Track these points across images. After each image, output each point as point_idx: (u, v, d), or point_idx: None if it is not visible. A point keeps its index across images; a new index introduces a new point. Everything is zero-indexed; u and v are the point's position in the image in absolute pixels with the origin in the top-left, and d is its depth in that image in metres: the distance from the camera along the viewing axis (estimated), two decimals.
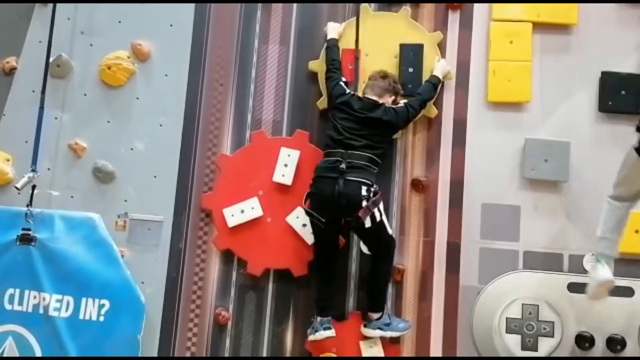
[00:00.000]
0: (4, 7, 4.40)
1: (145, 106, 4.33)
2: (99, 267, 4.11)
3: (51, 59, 4.29)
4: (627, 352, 3.85)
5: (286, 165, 4.14)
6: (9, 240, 4.11)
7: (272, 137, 4.27)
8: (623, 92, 4.08)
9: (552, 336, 3.93)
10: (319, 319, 3.93)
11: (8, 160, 4.33)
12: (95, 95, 4.35)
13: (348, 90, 4.01)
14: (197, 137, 4.29)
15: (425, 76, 4.14)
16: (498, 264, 4.05)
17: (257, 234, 4.15)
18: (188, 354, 4.15)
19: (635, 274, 3.97)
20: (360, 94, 4.05)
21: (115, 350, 4.03)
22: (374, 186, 3.80)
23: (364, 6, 4.23)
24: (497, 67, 4.16)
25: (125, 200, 4.27)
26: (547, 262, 4.04)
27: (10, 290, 4.11)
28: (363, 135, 3.85)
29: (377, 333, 3.93)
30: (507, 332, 3.96)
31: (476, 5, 4.24)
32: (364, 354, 4.01)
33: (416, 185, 4.16)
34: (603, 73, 4.12)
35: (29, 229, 4.11)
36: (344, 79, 4.04)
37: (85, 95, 4.36)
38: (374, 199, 3.77)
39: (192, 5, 4.37)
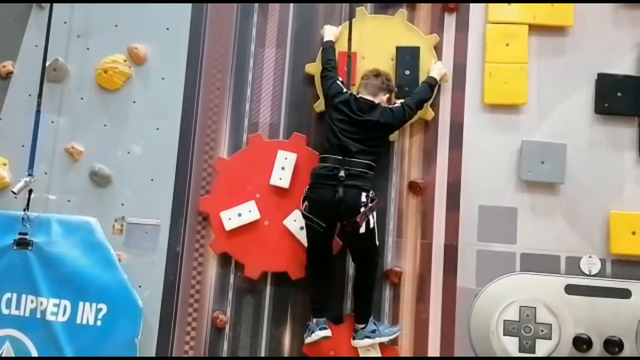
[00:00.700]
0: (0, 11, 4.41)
1: (142, 110, 4.33)
2: (96, 271, 4.11)
3: (47, 63, 4.30)
4: (625, 353, 3.85)
5: (283, 169, 4.14)
6: (5, 245, 4.11)
7: (269, 140, 4.27)
8: (619, 94, 4.08)
9: (550, 338, 3.93)
10: (314, 320, 3.93)
11: (5, 164, 4.33)
12: (91, 99, 4.36)
13: (345, 90, 4.00)
14: (194, 141, 4.29)
15: (422, 78, 4.14)
16: (495, 266, 4.05)
17: (255, 237, 4.15)
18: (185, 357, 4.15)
19: (632, 276, 3.97)
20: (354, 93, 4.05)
21: (113, 354, 4.03)
22: (371, 192, 3.82)
23: (360, 9, 4.24)
24: (494, 69, 4.16)
25: (122, 204, 4.27)
26: (544, 264, 4.03)
27: (8, 295, 4.11)
28: (359, 139, 3.85)
29: (366, 342, 3.94)
30: (504, 334, 3.96)
31: (472, 8, 4.25)
32: (360, 352, 4.00)
33: (413, 187, 4.16)
34: (599, 75, 4.12)
35: (26, 233, 4.11)
36: (340, 79, 4.04)
37: (81, 99, 4.36)
38: (371, 205, 3.78)
39: (188, 9, 4.37)
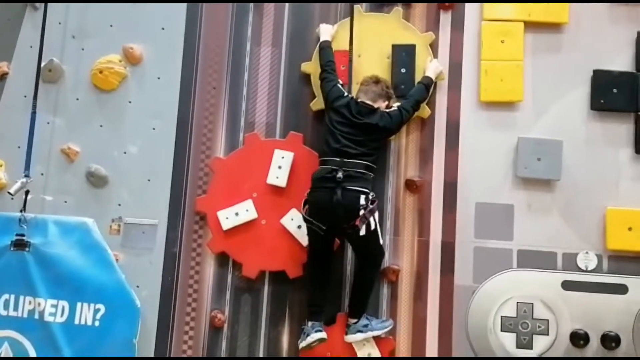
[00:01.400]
0: None
1: (138, 110, 4.32)
2: (94, 272, 4.11)
3: (43, 64, 4.28)
4: (622, 349, 3.86)
5: (280, 167, 4.14)
6: (3, 246, 4.11)
7: (266, 139, 4.27)
8: (615, 91, 4.09)
9: (547, 334, 3.95)
10: (309, 323, 3.93)
11: (0, 165, 4.32)
12: (87, 99, 4.35)
13: (346, 93, 4.01)
14: (190, 140, 4.29)
15: (418, 77, 4.14)
16: (492, 263, 4.06)
17: (252, 236, 4.15)
18: (184, 357, 4.15)
19: (628, 271, 3.99)
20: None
21: (111, 355, 4.03)
22: (372, 194, 3.82)
23: (355, 7, 4.23)
24: (489, 67, 4.17)
25: (119, 205, 4.26)
26: (541, 260, 4.05)
27: (6, 296, 4.11)
28: (359, 141, 3.85)
29: (359, 336, 3.95)
30: (502, 330, 3.98)
31: (467, 6, 4.25)
32: (359, 352, 4.02)
33: (410, 185, 4.17)
34: (595, 71, 4.13)
35: (23, 235, 4.11)
36: (340, 81, 4.04)
37: (77, 99, 4.35)
38: (371, 207, 3.79)
39: (183, 9, 4.36)
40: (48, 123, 4.33)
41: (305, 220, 3.89)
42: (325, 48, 4.10)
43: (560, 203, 4.09)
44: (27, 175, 4.15)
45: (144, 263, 4.20)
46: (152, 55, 4.35)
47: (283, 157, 4.15)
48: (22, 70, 4.33)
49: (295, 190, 4.09)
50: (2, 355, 4.05)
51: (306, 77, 4.25)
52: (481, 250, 4.08)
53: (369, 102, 3.94)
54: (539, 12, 4.15)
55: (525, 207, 4.11)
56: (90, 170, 4.28)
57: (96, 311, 4.08)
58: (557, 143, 4.07)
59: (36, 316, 4.06)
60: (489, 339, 3.98)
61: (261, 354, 4.13)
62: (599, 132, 4.12)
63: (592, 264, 4.03)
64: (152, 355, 4.13)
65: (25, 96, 4.30)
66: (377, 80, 4.00)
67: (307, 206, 3.88)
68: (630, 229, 4.00)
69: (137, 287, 4.14)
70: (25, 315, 4.08)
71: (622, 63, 4.13)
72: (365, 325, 3.95)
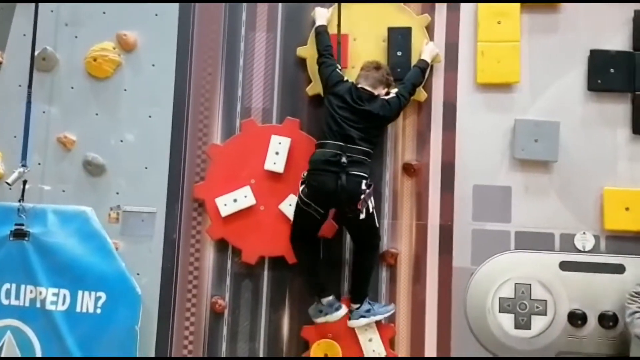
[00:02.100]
0: None
1: (134, 97, 4.31)
2: (94, 260, 4.13)
3: (36, 53, 4.25)
4: (619, 328, 3.90)
5: (277, 153, 4.14)
6: (2, 236, 4.12)
7: (263, 125, 4.26)
8: (612, 70, 4.07)
9: (545, 314, 3.99)
10: (324, 300, 3.94)
11: None
12: (82, 87, 4.33)
13: (346, 78, 3.98)
14: (187, 127, 4.28)
15: (414, 59, 4.12)
16: (490, 245, 4.08)
17: (251, 222, 4.16)
18: (186, 343, 4.19)
19: (625, 251, 4.01)
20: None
21: (114, 342, 4.07)
22: (369, 179, 3.83)
23: None
24: (486, 49, 4.14)
25: (117, 193, 4.27)
26: (539, 241, 4.07)
27: (7, 285, 4.13)
28: (360, 127, 3.85)
29: (362, 322, 3.98)
30: (500, 311, 4.02)
31: None
32: (360, 337, 4.06)
33: (407, 169, 4.17)
34: (592, 51, 4.10)
35: (22, 224, 4.11)
36: (339, 66, 4.02)
37: (72, 88, 4.33)
38: (369, 191, 3.80)
39: None
40: (44, 112, 4.31)
41: (303, 202, 3.87)
42: (322, 33, 4.07)
43: (558, 184, 4.10)
44: (24, 165, 4.14)
45: (143, 250, 4.22)
46: (146, 41, 4.32)
47: (280, 143, 4.15)
48: (15, 60, 4.30)
49: (293, 175, 4.09)
50: (6, 344, 4.08)
51: (302, 62, 4.23)
52: (479, 232, 4.10)
53: (369, 89, 3.92)
54: None
55: (523, 188, 4.12)
56: (88, 159, 4.27)
57: (97, 299, 4.10)
58: (554, 124, 4.06)
59: (38, 305, 4.08)
60: (487, 320, 4.02)
61: (262, 339, 4.17)
62: (596, 112, 4.11)
63: (590, 245, 4.05)
64: (154, 341, 4.17)
65: (20, 85, 4.27)
66: (377, 66, 3.98)
67: (304, 188, 3.86)
68: (627, 209, 4.01)
69: (138, 274, 4.16)
70: (27, 304, 4.10)
71: (619, 42, 4.10)
72: (368, 310, 3.98)
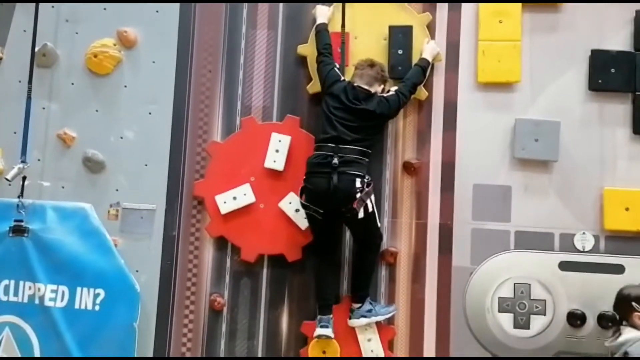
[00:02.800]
0: None
1: (134, 94, 4.30)
2: (93, 257, 4.12)
3: (37, 48, 4.24)
4: None
5: (277, 151, 4.14)
6: (1, 232, 4.11)
7: (263, 122, 4.26)
8: (613, 70, 4.07)
9: (544, 314, 3.98)
10: (319, 317, 3.95)
11: None
12: (82, 84, 4.32)
13: (343, 77, 3.98)
14: (187, 125, 4.27)
15: (415, 58, 4.11)
16: (490, 244, 4.08)
17: (250, 220, 4.16)
18: (184, 340, 4.19)
19: (625, 251, 4.01)
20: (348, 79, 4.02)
21: (112, 339, 4.06)
22: (367, 177, 3.82)
23: None
24: (487, 48, 4.14)
25: (117, 190, 4.27)
26: (539, 241, 4.06)
27: (5, 282, 4.12)
28: (355, 127, 3.84)
29: (363, 322, 3.98)
30: (499, 311, 4.01)
31: None
32: (360, 336, 4.05)
33: (408, 168, 4.17)
34: (592, 51, 4.10)
35: (22, 220, 4.10)
36: (337, 65, 4.02)
37: (72, 84, 4.33)
38: (367, 190, 3.79)
39: None
40: (43, 108, 4.31)
41: (303, 206, 3.90)
42: (322, 31, 4.06)
43: (558, 184, 4.09)
44: (23, 161, 4.13)
45: (142, 248, 4.21)
46: (147, 38, 4.31)
47: (280, 141, 4.14)
48: (16, 56, 4.29)
49: (293, 173, 4.09)
50: (4, 340, 4.07)
51: (302, 60, 4.23)
52: (479, 231, 4.10)
53: (365, 87, 3.92)
54: None
55: (523, 188, 4.11)
56: (87, 156, 4.26)
57: (96, 296, 4.09)
58: (555, 124, 4.06)
59: (36, 301, 4.07)
60: (486, 319, 4.02)
61: (261, 337, 4.17)
62: (596, 112, 4.10)
63: (589, 245, 4.04)
64: (152, 338, 4.16)
65: (20, 81, 4.26)
66: (372, 64, 3.97)
67: (304, 193, 3.89)
68: (627, 209, 4.01)
69: (137, 271, 4.16)
70: (25, 300, 4.09)
71: (620, 42, 4.10)
72: (369, 310, 3.98)
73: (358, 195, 3.75)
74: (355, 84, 3.93)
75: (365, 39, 4.18)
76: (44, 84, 4.30)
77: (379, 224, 3.98)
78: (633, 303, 3.47)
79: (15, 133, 4.22)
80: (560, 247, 4.06)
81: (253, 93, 4.28)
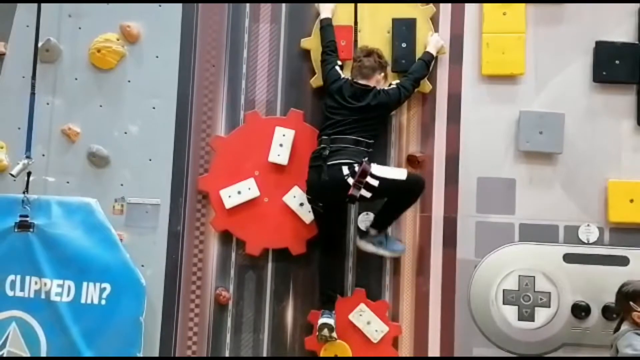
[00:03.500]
0: None
1: (137, 89, 4.30)
2: (99, 252, 4.13)
3: (40, 44, 4.24)
4: None
5: (281, 145, 4.14)
6: (7, 227, 4.13)
7: (266, 117, 4.25)
8: (617, 62, 4.05)
9: (549, 306, 3.99)
10: (321, 310, 3.97)
11: (2, 147, 4.32)
12: (86, 79, 4.32)
13: (343, 76, 3.97)
14: (190, 119, 4.27)
15: (419, 51, 4.10)
16: (494, 237, 4.08)
17: (255, 214, 4.16)
18: (190, 334, 4.20)
19: (629, 243, 4.00)
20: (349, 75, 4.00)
21: (118, 333, 4.08)
22: (356, 163, 3.77)
23: None
24: (491, 40, 4.12)
25: (122, 184, 4.27)
26: (543, 233, 4.06)
27: (11, 277, 4.13)
28: (354, 120, 3.84)
29: (370, 248, 3.98)
30: (504, 303, 4.02)
31: None
32: (358, 324, 4.05)
33: (412, 161, 4.16)
34: (597, 43, 4.08)
35: (27, 216, 4.12)
36: (339, 63, 4.01)
37: (76, 79, 4.33)
38: (361, 171, 3.74)
39: None
40: (47, 104, 4.31)
41: (308, 201, 3.94)
42: (326, 27, 4.05)
43: (562, 176, 4.09)
44: (28, 157, 4.14)
45: (147, 242, 4.23)
46: (150, 33, 4.31)
47: (284, 135, 4.14)
48: (19, 51, 4.29)
49: (297, 167, 4.09)
50: (11, 335, 4.09)
51: (306, 53, 4.22)
52: (483, 224, 4.10)
53: (363, 82, 3.90)
54: None
55: (527, 180, 4.11)
56: (92, 151, 4.27)
57: (102, 290, 4.11)
58: (559, 116, 4.05)
59: (42, 296, 4.09)
60: (491, 312, 4.02)
61: (266, 330, 4.18)
62: (601, 104, 4.09)
63: (594, 237, 4.04)
64: (158, 333, 4.18)
65: (23, 77, 4.27)
66: (367, 53, 3.93)
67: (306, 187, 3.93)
68: (631, 201, 4.00)
69: (142, 266, 4.17)
70: (31, 295, 4.11)
71: (624, 34, 4.08)
72: (381, 242, 3.97)
73: (350, 181, 3.73)
74: (354, 80, 3.91)
75: (369, 31, 4.17)
76: (47, 80, 4.30)
77: (404, 177, 3.84)
78: (631, 302, 3.46)
79: (19, 129, 4.23)
80: (564, 239, 4.06)
81: (257, 87, 4.28)
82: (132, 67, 4.30)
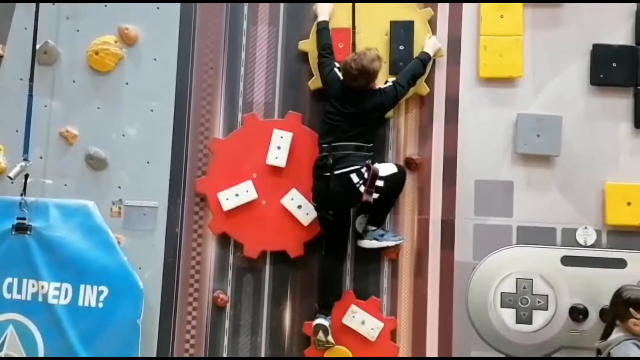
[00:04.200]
0: None
1: (135, 91, 4.30)
2: (96, 254, 4.13)
3: (38, 46, 4.25)
4: None
5: (279, 148, 4.14)
6: (4, 230, 4.13)
7: (264, 119, 4.26)
8: (614, 65, 4.06)
9: (546, 309, 3.99)
10: (320, 315, 3.96)
11: None
12: (84, 81, 4.33)
13: (341, 77, 3.96)
14: (188, 122, 4.28)
15: (416, 54, 4.09)
16: (492, 239, 4.08)
17: (253, 216, 4.16)
18: (187, 337, 4.20)
19: (627, 246, 4.01)
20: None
21: (116, 336, 4.08)
22: (364, 167, 3.80)
23: None
24: (488, 42, 4.13)
25: (119, 187, 4.27)
26: (541, 236, 4.06)
27: (9, 280, 4.14)
28: (353, 133, 3.84)
29: (373, 244, 4.00)
30: (502, 306, 4.02)
31: None
32: (354, 326, 4.05)
33: (410, 163, 4.16)
34: (594, 45, 4.09)
35: (24, 218, 4.12)
36: (337, 64, 4.01)
37: (74, 81, 4.33)
38: (369, 177, 3.78)
39: None
40: (45, 106, 4.31)
41: (315, 209, 3.95)
42: (322, 30, 4.05)
43: (560, 179, 4.09)
44: (26, 159, 4.14)
45: (145, 245, 4.22)
46: (148, 35, 4.31)
47: (282, 137, 4.14)
48: (17, 53, 4.29)
49: (295, 170, 4.10)
50: (8, 338, 4.09)
51: (304, 56, 4.22)
52: (481, 227, 4.10)
53: (358, 86, 3.88)
54: None
55: (525, 183, 4.11)
56: (90, 153, 4.27)
57: (99, 293, 4.11)
58: (557, 119, 4.06)
59: (40, 299, 4.09)
60: (489, 314, 4.02)
61: (264, 333, 4.18)
62: (598, 106, 4.10)
63: (591, 239, 4.05)
64: (156, 335, 4.17)
65: (21, 79, 4.27)
66: (357, 74, 3.81)
67: (313, 197, 3.94)
68: (629, 203, 4.00)
69: (140, 268, 4.17)
70: (29, 298, 4.11)
71: (621, 37, 4.09)
72: (382, 235, 4.00)
73: (362, 189, 3.76)
74: (349, 85, 3.88)
75: (367, 34, 4.16)
76: (45, 82, 4.30)
77: (395, 170, 3.94)
78: (631, 309, 3.46)
79: (17, 131, 4.23)
80: (562, 242, 4.07)
81: (254, 89, 4.28)
82: (130, 69, 4.31)
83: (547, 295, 4.00)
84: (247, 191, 4.16)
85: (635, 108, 4.06)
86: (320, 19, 4.10)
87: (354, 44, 4.12)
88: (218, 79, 4.29)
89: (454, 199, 4.13)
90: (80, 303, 4.09)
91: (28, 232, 4.11)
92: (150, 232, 4.23)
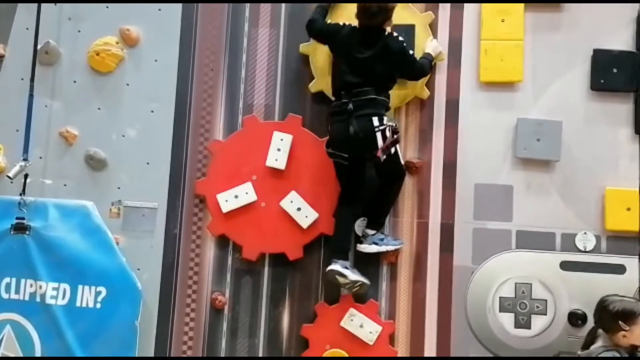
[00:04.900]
0: None
1: (136, 92, 4.30)
2: (95, 255, 4.12)
3: (39, 46, 4.25)
4: None
5: (279, 150, 4.14)
6: (3, 230, 4.11)
7: (265, 121, 4.25)
8: (615, 70, 4.06)
9: (545, 314, 3.98)
10: (340, 262, 3.91)
11: None
12: (84, 82, 4.32)
13: (343, 22, 3.94)
14: (189, 123, 4.27)
15: (418, 57, 4.09)
16: (491, 244, 4.07)
17: (252, 218, 4.16)
18: (185, 339, 4.19)
19: (626, 251, 4.00)
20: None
21: (114, 337, 4.06)
22: (386, 118, 3.81)
23: None
24: (489, 47, 4.13)
25: (119, 188, 4.26)
26: (540, 241, 4.06)
27: (7, 279, 4.12)
28: (369, 88, 3.81)
29: (373, 248, 3.98)
30: (500, 311, 4.01)
31: None
32: (351, 329, 4.04)
33: (409, 167, 4.16)
34: (595, 51, 4.09)
35: (23, 218, 4.11)
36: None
37: (74, 82, 4.32)
38: (393, 139, 3.79)
39: None
40: (46, 106, 4.30)
41: (328, 154, 3.91)
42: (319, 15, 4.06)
43: (559, 183, 4.09)
44: (25, 159, 4.13)
45: (144, 246, 4.21)
46: (149, 36, 4.31)
47: (282, 140, 4.14)
48: (18, 53, 4.28)
49: (295, 172, 4.10)
50: (5, 338, 4.08)
51: (305, 58, 4.22)
52: (480, 231, 4.09)
53: (375, 24, 3.84)
54: None
55: (525, 187, 4.11)
56: (89, 154, 4.27)
57: (97, 294, 4.09)
58: (557, 123, 4.06)
59: (38, 299, 4.07)
60: (487, 319, 4.01)
61: (262, 335, 4.17)
62: (598, 112, 4.09)
63: (591, 244, 4.04)
64: (153, 337, 4.16)
65: (22, 79, 4.26)
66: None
67: (329, 141, 3.92)
68: (629, 209, 4.00)
69: (138, 269, 4.16)
70: (26, 298, 4.09)
71: (622, 42, 4.09)
72: (382, 239, 3.99)
73: (379, 135, 3.74)
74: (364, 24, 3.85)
75: None
76: (46, 82, 4.30)
77: (402, 162, 3.98)
78: (620, 322, 3.44)
79: (17, 131, 4.22)
80: (561, 247, 4.06)
81: (255, 91, 4.28)
82: (131, 70, 4.31)
83: (546, 300, 3.99)
84: (246, 193, 4.15)
85: (636, 113, 4.06)
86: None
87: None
88: (219, 80, 4.29)
89: (453, 203, 4.13)
90: (78, 304, 4.08)
91: (27, 232, 4.09)
92: (149, 233, 4.23)
